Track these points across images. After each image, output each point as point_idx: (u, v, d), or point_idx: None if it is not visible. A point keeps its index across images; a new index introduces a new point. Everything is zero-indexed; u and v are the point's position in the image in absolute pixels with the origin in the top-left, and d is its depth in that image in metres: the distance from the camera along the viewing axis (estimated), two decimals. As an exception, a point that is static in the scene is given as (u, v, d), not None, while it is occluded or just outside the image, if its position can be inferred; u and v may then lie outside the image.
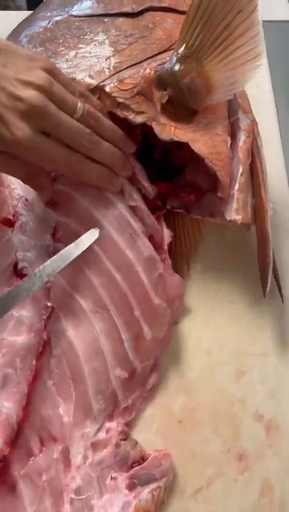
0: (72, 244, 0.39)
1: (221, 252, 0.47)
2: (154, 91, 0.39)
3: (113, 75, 0.39)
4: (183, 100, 0.39)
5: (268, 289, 0.40)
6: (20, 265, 0.42)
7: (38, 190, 0.40)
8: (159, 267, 0.41)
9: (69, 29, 0.42)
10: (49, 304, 0.41)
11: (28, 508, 0.37)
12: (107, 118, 0.39)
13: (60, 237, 0.41)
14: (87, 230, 0.40)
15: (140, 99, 0.39)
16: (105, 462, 0.38)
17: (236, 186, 0.40)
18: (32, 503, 0.37)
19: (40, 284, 0.38)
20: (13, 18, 0.56)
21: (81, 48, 0.41)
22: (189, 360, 0.44)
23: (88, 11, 0.43)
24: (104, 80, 0.39)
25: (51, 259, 0.39)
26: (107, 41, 0.41)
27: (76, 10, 0.44)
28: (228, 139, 0.40)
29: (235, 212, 0.40)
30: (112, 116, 0.40)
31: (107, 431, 0.40)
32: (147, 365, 0.41)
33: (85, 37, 0.41)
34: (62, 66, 0.40)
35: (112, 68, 0.40)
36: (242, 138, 0.41)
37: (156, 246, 0.43)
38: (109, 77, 0.39)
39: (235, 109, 0.42)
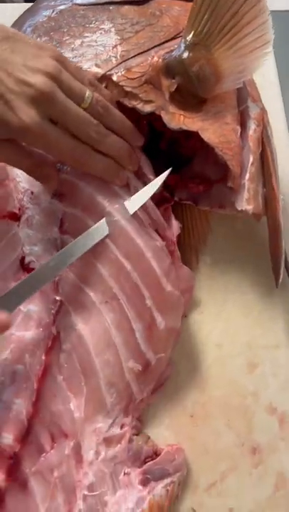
0: (81, 237, 0.38)
1: (230, 244, 0.47)
2: (163, 79, 0.38)
3: (120, 63, 0.39)
4: (191, 89, 0.39)
5: (280, 279, 0.40)
6: (27, 259, 0.41)
7: (44, 182, 0.40)
8: (169, 257, 0.41)
9: (74, 18, 0.42)
10: (58, 298, 0.40)
11: (40, 505, 0.36)
12: (116, 108, 0.39)
13: (67, 229, 0.40)
14: (93, 219, 0.39)
15: (148, 88, 0.38)
16: (118, 458, 0.38)
17: (247, 176, 0.39)
18: (44, 500, 0.36)
19: (50, 278, 0.37)
20: (9, 10, 0.56)
21: (87, 36, 0.40)
22: (200, 353, 0.43)
23: (92, 0, 0.43)
24: (112, 69, 0.38)
25: (60, 251, 0.38)
26: (113, 29, 0.40)
27: (80, -2, 0.43)
28: (238, 127, 0.39)
29: (246, 202, 0.39)
30: (119, 106, 0.39)
31: (122, 426, 0.39)
32: (162, 358, 0.40)
33: (91, 25, 0.41)
34: (68, 55, 0.39)
35: (119, 57, 0.39)
36: (252, 127, 0.40)
37: (163, 240, 0.42)
38: (117, 65, 0.38)
39: (244, 97, 0.41)
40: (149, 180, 0.41)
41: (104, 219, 0.39)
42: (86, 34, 0.40)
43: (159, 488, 0.37)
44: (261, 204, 0.40)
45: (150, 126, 0.44)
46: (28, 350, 0.39)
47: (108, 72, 0.38)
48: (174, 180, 0.45)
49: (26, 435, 0.37)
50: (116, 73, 0.38)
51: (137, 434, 0.39)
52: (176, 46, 0.39)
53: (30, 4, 0.48)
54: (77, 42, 0.40)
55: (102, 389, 0.39)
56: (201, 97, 0.39)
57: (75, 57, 0.39)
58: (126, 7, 0.41)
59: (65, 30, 0.41)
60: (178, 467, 0.38)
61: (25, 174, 0.42)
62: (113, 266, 0.39)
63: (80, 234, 0.39)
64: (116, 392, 0.39)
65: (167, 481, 0.37)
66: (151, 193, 0.40)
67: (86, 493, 0.37)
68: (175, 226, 0.43)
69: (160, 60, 0.39)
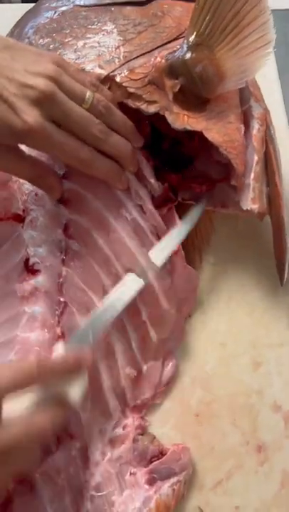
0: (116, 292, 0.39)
1: (233, 243, 0.47)
2: (166, 80, 0.38)
3: (123, 64, 0.39)
4: (195, 89, 0.39)
5: (285, 278, 0.40)
6: (31, 261, 0.41)
7: (47, 191, 0.40)
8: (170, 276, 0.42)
9: (76, 19, 0.42)
10: (62, 299, 0.40)
11: (47, 507, 0.36)
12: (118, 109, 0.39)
13: (72, 234, 0.41)
14: (99, 232, 0.40)
15: (152, 89, 0.38)
16: (124, 458, 0.38)
17: (252, 175, 0.39)
18: (52, 501, 0.36)
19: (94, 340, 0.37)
20: (6, 11, 0.56)
21: (89, 37, 0.40)
22: (204, 352, 0.43)
23: (94, 1, 0.43)
24: (115, 70, 0.38)
25: (95, 314, 0.38)
26: (115, 30, 0.40)
27: (82, 0, 0.43)
28: (242, 126, 0.39)
29: (252, 202, 0.39)
30: (121, 107, 0.39)
31: (124, 427, 0.39)
32: (153, 366, 0.41)
33: (93, 26, 0.41)
34: (71, 57, 0.39)
35: (122, 58, 0.39)
36: (255, 126, 0.40)
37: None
38: (120, 66, 0.39)
39: (247, 97, 0.42)
40: (150, 183, 0.42)
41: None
42: (88, 35, 0.40)
43: (166, 487, 0.37)
44: (265, 203, 0.40)
45: (152, 126, 0.44)
46: (33, 352, 0.39)
47: (111, 73, 0.38)
48: (177, 181, 0.45)
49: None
50: (119, 74, 0.38)
51: (142, 434, 0.39)
52: (178, 47, 0.39)
53: (27, 5, 0.48)
54: (80, 43, 0.40)
55: (105, 391, 0.39)
56: (204, 97, 0.40)
57: (78, 58, 0.39)
58: (128, 8, 0.41)
59: (68, 31, 0.41)
60: (184, 466, 0.38)
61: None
62: (114, 279, 0.40)
63: (85, 242, 0.40)
64: (115, 395, 0.39)
65: (173, 480, 0.37)
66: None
67: (93, 493, 0.37)
68: (179, 226, 0.43)
69: (163, 60, 0.39)
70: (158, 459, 0.38)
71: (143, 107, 0.38)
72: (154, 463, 0.38)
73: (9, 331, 0.40)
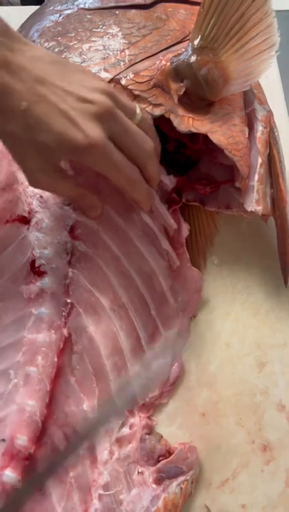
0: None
1: (236, 244, 0.47)
2: (171, 83, 0.39)
3: (128, 67, 0.39)
4: (200, 92, 0.39)
5: (289, 278, 0.40)
6: (37, 262, 0.42)
7: (88, 210, 0.39)
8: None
9: (80, 22, 0.42)
10: (68, 301, 0.40)
11: (56, 505, 0.36)
12: None
13: (79, 235, 0.41)
14: (108, 233, 0.40)
15: (157, 92, 0.39)
16: (131, 457, 0.38)
17: (256, 177, 0.40)
18: (60, 500, 0.37)
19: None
20: (5, 12, 0.56)
21: (94, 41, 0.41)
22: (210, 353, 0.43)
23: (99, 4, 0.43)
24: (120, 73, 0.39)
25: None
26: (120, 34, 0.41)
27: (86, 3, 0.43)
28: (246, 129, 0.40)
29: (256, 204, 0.40)
30: None
31: (131, 426, 0.40)
32: (163, 364, 0.42)
33: (98, 30, 0.41)
34: (76, 60, 0.40)
35: (126, 61, 0.39)
36: (259, 128, 0.41)
37: (172, 242, 0.43)
38: (125, 70, 0.39)
39: (250, 99, 0.42)
40: (163, 183, 0.42)
41: None
42: (93, 39, 0.41)
43: (174, 486, 0.37)
44: (269, 205, 0.40)
45: (157, 128, 0.44)
46: (40, 353, 0.39)
47: (116, 76, 0.39)
48: (181, 182, 0.45)
49: (41, 436, 0.37)
50: (124, 77, 0.39)
51: (149, 434, 0.40)
52: (183, 50, 0.39)
53: (27, 7, 0.48)
54: (85, 46, 0.40)
55: (112, 391, 0.40)
56: (209, 100, 0.40)
57: (83, 61, 0.40)
58: (132, 11, 0.42)
59: (73, 34, 0.41)
60: (191, 465, 0.38)
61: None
62: (124, 278, 0.41)
63: (93, 243, 0.41)
64: (123, 394, 0.40)
65: (181, 479, 0.38)
66: None
67: (101, 492, 0.37)
68: (184, 228, 0.43)
69: (168, 63, 0.39)
70: (165, 458, 0.38)
71: (148, 109, 0.38)
72: (162, 462, 0.38)
73: (16, 332, 0.40)
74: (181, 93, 0.39)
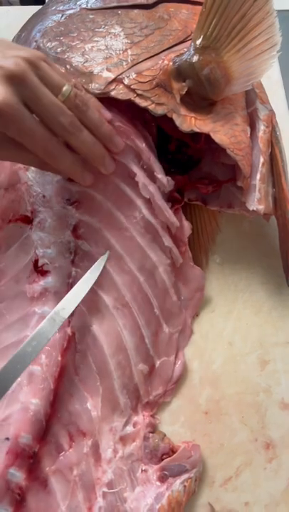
0: (85, 276, 0.40)
1: (238, 243, 0.47)
2: (173, 82, 0.39)
3: (131, 67, 0.39)
4: (202, 91, 0.39)
5: (292, 277, 0.41)
6: (40, 262, 0.42)
7: (57, 173, 0.39)
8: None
9: (83, 22, 0.42)
10: (72, 300, 0.41)
11: (60, 503, 0.37)
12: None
13: (82, 234, 0.41)
14: (111, 232, 0.41)
15: (159, 91, 0.39)
16: (135, 455, 0.39)
17: (258, 176, 0.40)
18: (64, 498, 0.37)
19: (59, 326, 0.38)
20: (4, 12, 0.56)
21: (97, 40, 0.41)
22: (212, 351, 0.44)
23: (101, 4, 0.43)
24: (123, 73, 0.39)
25: (65, 297, 0.39)
26: (122, 33, 0.41)
27: (88, 3, 0.43)
28: (248, 128, 0.40)
29: (258, 203, 0.40)
30: (129, 105, 0.40)
31: (134, 424, 0.40)
32: (166, 362, 0.42)
33: (100, 30, 0.41)
34: (79, 60, 0.40)
35: (129, 60, 0.39)
36: (261, 128, 0.41)
37: (174, 240, 0.43)
38: (127, 69, 0.39)
39: (252, 99, 0.42)
40: (158, 180, 0.42)
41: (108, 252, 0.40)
42: (96, 38, 0.41)
43: (177, 484, 0.37)
44: (271, 204, 0.41)
45: (158, 128, 0.44)
46: (44, 351, 0.39)
47: (119, 76, 0.39)
48: (183, 182, 0.45)
49: (45, 435, 0.38)
50: (127, 77, 0.39)
51: (153, 432, 0.40)
52: (185, 50, 0.40)
53: (26, 7, 0.48)
54: (88, 46, 0.40)
55: (116, 389, 0.40)
56: (210, 100, 0.40)
57: (86, 61, 0.40)
58: (135, 11, 0.42)
59: (75, 34, 0.41)
60: (194, 463, 0.38)
61: (37, 178, 0.42)
62: (127, 276, 0.41)
63: (96, 242, 0.41)
64: (127, 393, 0.40)
65: (184, 477, 0.38)
66: None
67: (105, 490, 0.37)
68: (186, 227, 0.44)
69: (170, 63, 0.39)
70: (169, 457, 0.39)
71: (151, 107, 0.38)
72: (165, 460, 0.38)
73: (20, 331, 0.41)
74: (184, 93, 0.39)
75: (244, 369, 0.43)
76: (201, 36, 0.39)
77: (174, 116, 0.39)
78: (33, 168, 0.42)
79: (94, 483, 0.37)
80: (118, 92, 0.39)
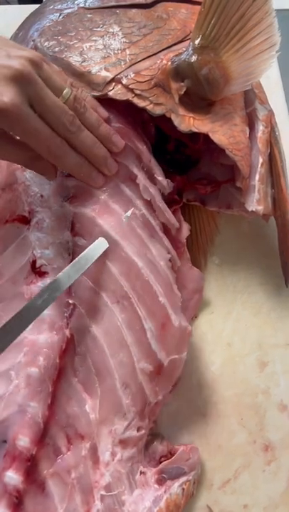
0: (83, 254, 0.38)
1: (237, 244, 0.47)
2: (172, 82, 0.39)
3: (129, 67, 0.39)
4: (200, 91, 0.39)
5: (291, 278, 0.40)
6: (38, 263, 0.41)
7: (43, 173, 0.39)
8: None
9: (81, 21, 0.42)
10: (70, 301, 0.40)
11: (58, 506, 0.36)
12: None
13: (78, 230, 0.40)
14: (105, 218, 0.39)
15: (158, 91, 0.38)
16: (134, 458, 0.38)
17: (257, 177, 0.40)
18: (62, 501, 0.36)
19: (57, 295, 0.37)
20: (3, 11, 0.55)
21: (95, 40, 0.40)
22: (211, 353, 0.44)
23: (99, 3, 0.43)
24: (121, 73, 0.39)
25: (64, 270, 0.38)
26: (120, 33, 0.40)
27: (86, 2, 0.43)
28: (247, 128, 0.40)
29: (257, 203, 0.40)
30: (128, 106, 0.39)
31: (138, 429, 0.39)
32: (176, 360, 0.40)
33: (98, 29, 0.41)
34: (77, 59, 0.40)
35: (127, 60, 0.39)
36: (260, 128, 0.40)
37: (173, 241, 0.43)
38: (126, 69, 0.39)
39: (251, 99, 0.42)
40: (159, 182, 0.42)
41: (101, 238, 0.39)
42: (94, 38, 0.40)
43: (176, 486, 0.37)
44: (270, 204, 0.40)
45: (157, 128, 0.44)
46: (42, 353, 0.39)
47: (117, 76, 0.39)
48: (182, 182, 0.45)
49: (43, 437, 0.37)
50: (125, 76, 0.38)
51: (151, 435, 0.40)
52: (184, 49, 0.39)
53: (24, 6, 0.48)
54: (86, 46, 0.40)
55: (117, 390, 0.39)
56: (209, 100, 0.40)
57: (84, 61, 0.39)
58: (133, 10, 0.41)
59: (73, 34, 0.41)
60: (193, 466, 0.38)
61: (35, 178, 0.42)
62: (124, 264, 0.39)
63: (90, 233, 0.39)
64: (131, 393, 0.39)
65: (183, 479, 0.38)
66: None
67: (103, 493, 0.37)
68: (185, 228, 0.43)
69: (169, 63, 0.39)
70: (167, 459, 0.38)
71: (149, 107, 0.38)
72: (164, 463, 0.38)
73: (17, 333, 0.40)
74: (182, 93, 0.39)
75: (243, 370, 0.43)
76: (200, 36, 0.38)
77: (173, 117, 0.39)
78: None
79: (92, 486, 0.37)
80: (116, 93, 0.38)
